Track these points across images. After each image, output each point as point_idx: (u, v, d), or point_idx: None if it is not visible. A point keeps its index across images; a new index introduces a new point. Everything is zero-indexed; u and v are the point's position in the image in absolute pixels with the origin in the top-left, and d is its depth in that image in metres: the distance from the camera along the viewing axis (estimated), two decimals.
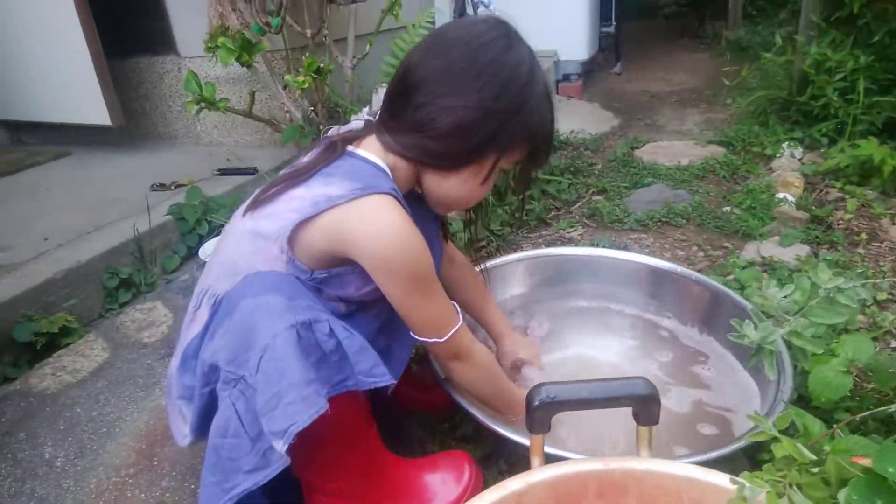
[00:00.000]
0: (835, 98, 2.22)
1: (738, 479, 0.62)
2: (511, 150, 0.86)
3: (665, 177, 2.29)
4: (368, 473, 0.85)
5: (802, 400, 0.97)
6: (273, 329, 0.70)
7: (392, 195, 0.80)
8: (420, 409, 1.13)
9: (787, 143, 2.34)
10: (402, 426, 1.09)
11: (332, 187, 0.79)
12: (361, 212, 0.78)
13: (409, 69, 0.84)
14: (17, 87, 2.67)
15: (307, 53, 2.07)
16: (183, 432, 0.83)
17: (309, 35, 2.12)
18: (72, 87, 2.46)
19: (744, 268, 1.52)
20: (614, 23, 4.48)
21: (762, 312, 0.78)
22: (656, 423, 0.71)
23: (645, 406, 0.70)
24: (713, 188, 2.19)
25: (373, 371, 0.75)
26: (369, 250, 0.78)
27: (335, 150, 0.85)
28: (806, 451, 0.60)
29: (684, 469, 0.69)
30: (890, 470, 0.61)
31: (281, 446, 0.68)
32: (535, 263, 1.34)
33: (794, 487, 0.59)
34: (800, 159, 2.25)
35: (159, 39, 2.63)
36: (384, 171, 0.84)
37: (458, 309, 0.91)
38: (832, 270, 0.77)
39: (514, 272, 1.33)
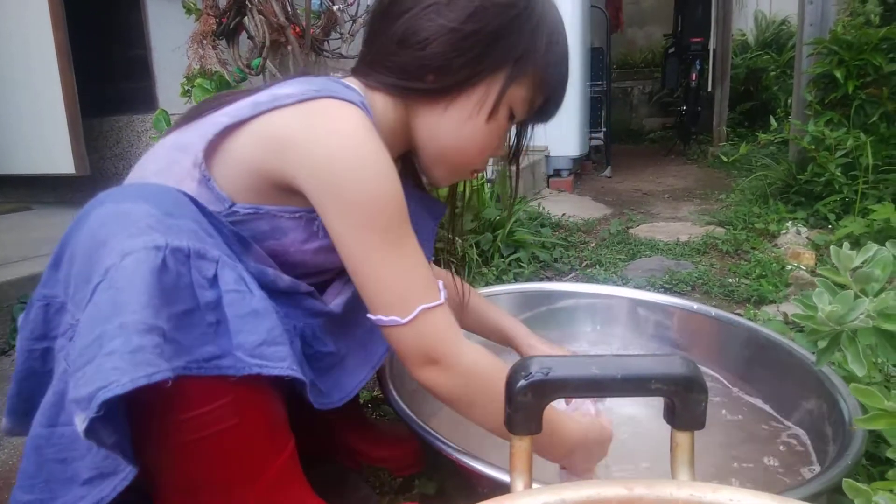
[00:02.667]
0: (838, 174, 2.12)
1: (860, 485, 0.38)
2: (520, 81, 0.66)
3: (664, 251, 2.13)
4: None
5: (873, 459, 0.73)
6: (125, 247, 0.47)
7: (359, 106, 0.60)
8: (372, 464, 0.86)
9: (790, 221, 2.22)
10: (344, 478, 0.82)
11: (282, 90, 0.60)
12: (309, 112, 0.58)
13: None
14: None
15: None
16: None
17: None
18: (42, 141, 2.34)
19: (768, 320, 1.31)
20: (604, 129, 4.58)
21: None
22: (701, 425, 0.47)
23: (685, 396, 0.46)
24: (717, 262, 2.02)
25: (260, 350, 0.50)
26: (313, 161, 0.56)
27: (309, 74, 0.68)
28: None
29: (747, 498, 0.45)
30: None
31: (80, 422, 0.42)
32: (526, 297, 1.12)
33: None
34: (806, 236, 2.11)
35: (142, 98, 2.57)
36: (357, 93, 0.64)
37: (442, 287, 0.62)
38: None
39: (506, 305, 1.11)
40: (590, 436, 0.66)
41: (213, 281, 0.50)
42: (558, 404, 0.84)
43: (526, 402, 0.45)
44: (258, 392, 0.54)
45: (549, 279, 1.95)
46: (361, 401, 1.03)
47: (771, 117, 2.47)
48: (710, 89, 5.49)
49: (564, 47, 0.70)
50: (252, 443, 0.55)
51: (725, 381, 0.93)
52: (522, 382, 0.44)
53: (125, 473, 0.47)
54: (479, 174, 0.81)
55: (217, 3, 1.88)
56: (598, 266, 2.01)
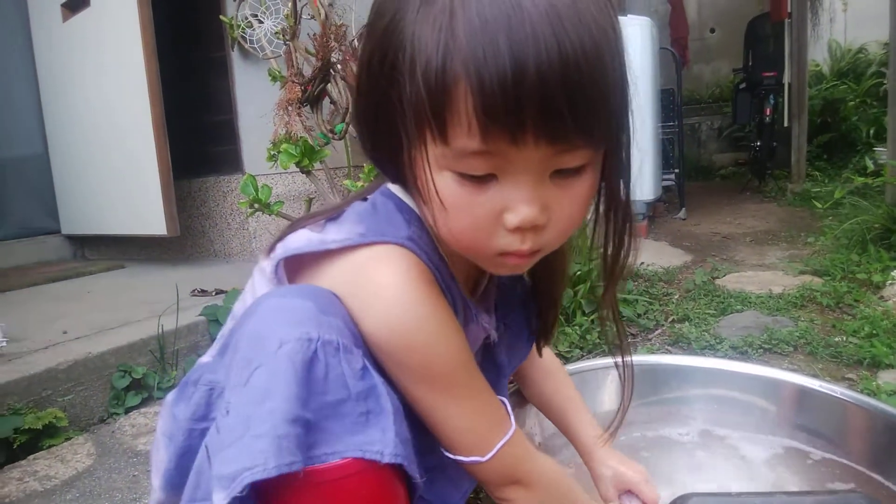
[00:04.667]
0: None
1: None
2: (405, 125, 0.49)
3: (757, 305, 2.01)
4: None
5: None
6: (282, 336, 0.48)
7: (405, 245, 0.55)
8: None
9: (895, 270, 2.05)
10: None
11: (339, 230, 0.58)
12: (353, 270, 0.55)
13: None
14: (84, 203, 2.74)
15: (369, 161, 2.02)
16: (154, 482, 0.60)
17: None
18: (136, 203, 2.49)
19: (892, 394, 1.19)
20: (676, 170, 4.46)
21: None
22: None
23: None
24: (817, 316, 1.88)
25: (396, 448, 0.49)
26: (363, 327, 0.54)
27: (372, 189, 0.64)
28: None
29: None
30: None
31: (221, 500, 0.43)
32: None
33: None
34: None
35: (229, 160, 2.70)
36: (410, 211, 0.59)
37: (510, 409, 0.61)
38: None
39: (598, 381, 1.05)
40: None
41: (363, 372, 0.50)
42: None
43: None
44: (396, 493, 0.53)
45: (635, 336, 1.87)
46: None
47: (865, 159, 2.32)
48: (786, 124, 5.28)
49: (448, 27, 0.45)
50: None
51: (869, 472, 0.84)
52: None
53: None
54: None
55: (301, 72, 1.96)
56: (686, 322, 1.91)
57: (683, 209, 4.39)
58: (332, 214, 0.62)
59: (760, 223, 4.02)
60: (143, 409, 1.28)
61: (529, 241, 0.51)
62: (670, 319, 1.97)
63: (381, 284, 0.53)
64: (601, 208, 0.57)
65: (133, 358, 1.41)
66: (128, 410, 1.33)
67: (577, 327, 1.79)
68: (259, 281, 0.63)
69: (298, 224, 0.63)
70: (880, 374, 1.42)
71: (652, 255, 3.00)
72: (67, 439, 1.15)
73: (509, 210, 0.49)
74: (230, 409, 0.47)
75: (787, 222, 3.87)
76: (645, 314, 1.98)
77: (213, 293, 1.94)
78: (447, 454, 0.58)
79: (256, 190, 1.89)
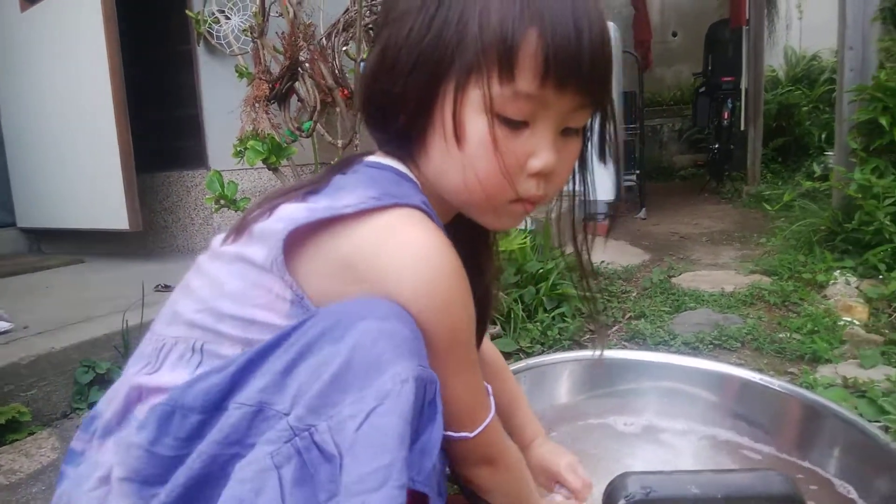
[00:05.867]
0: (888, 223, 2.09)
1: None
2: (474, 74, 0.55)
3: (709, 302, 2.10)
4: None
5: None
6: (401, 371, 0.48)
7: (422, 209, 0.57)
8: None
9: (837, 271, 2.17)
10: None
11: (339, 198, 0.57)
12: (379, 233, 0.54)
13: None
14: (41, 196, 2.69)
15: (336, 159, 2.03)
16: None
17: (340, 145, 2.10)
18: (96, 196, 2.45)
19: (828, 387, 1.28)
20: (637, 171, 4.58)
21: None
22: None
23: None
24: (765, 314, 1.98)
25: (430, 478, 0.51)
26: (404, 294, 0.53)
27: (350, 163, 0.65)
28: None
29: None
30: None
31: None
32: (581, 367, 1.12)
33: None
34: (856, 287, 2.06)
35: (193, 155, 2.67)
36: (410, 179, 0.62)
37: (491, 392, 0.65)
38: None
39: (555, 376, 1.10)
40: None
41: (432, 404, 0.52)
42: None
43: None
44: None
45: (593, 333, 1.94)
46: None
47: (814, 164, 2.44)
48: (742, 128, 5.46)
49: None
50: None
51: (795, 459, 0.91)
52: (624, 500, 0.45)
53: None
54: (547, 200, 0.63)
55: (269, 69, 1.96)
56: (642, 319, 1.99)
57: (644, 209, 4.52)
58: (312, 188, 0.61)
59: (716, 224, 4.16)
60: None
61: (542, 187, 0.59)
62: (627, 316, 2.05)
63: (413, 248, 0.53)
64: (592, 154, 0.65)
65: (97, 353, 1.40)
66: (91, 405, 1.32)
67: (538, 323, 1.84)
68: (231, 269, 0.58)
69: (274, 200, 0.60)
70: (819, 369, 1.52)
71: (612, 254, 3.08)
72: (31, 434, 1.15)
73: (535, 155, 0.58)
74: (352, 448, 0.46)
75: (741, 223, 4.02)
76: (604, 311, 2.05)
77: None
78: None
79: (223, 186, 1.89)
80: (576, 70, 0.54)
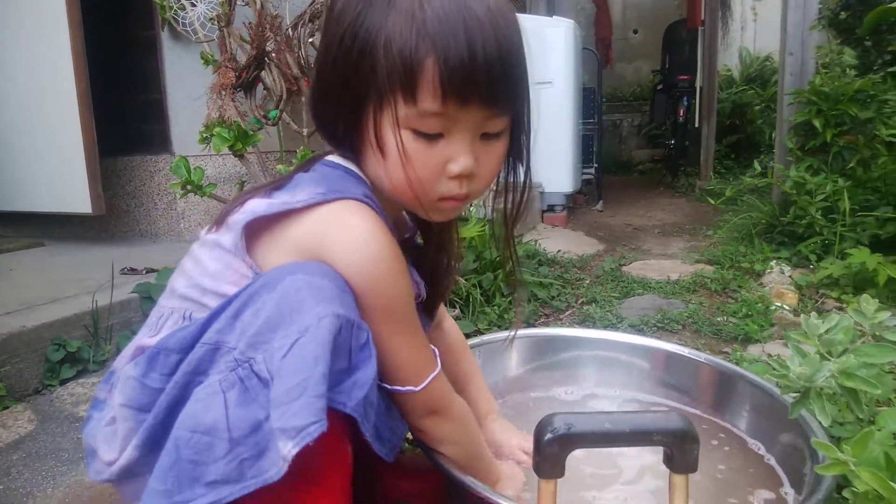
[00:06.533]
0: (819, 217, 2.26)
1: None
2: (379, 95, 0.63)
3: (656, 289, 2.24)
4: None
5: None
6: (319, 311, 0.58)
7: (362, 201, 0.67)
8: (406, 500, 0.95)
9: (774, 261, 2.34)
10: None
11: (294, 194, 0.68)
12: (323, 221, 0.65)
13: None
14: (0, 179, 2.64)
15: (301, 147, 2.09)
16: (108, 458, 0.66)
17: (305, 134, 2.15)
18: (58, 179, 2.43)
19: (752, 362, 1.41)
20: (595, 164, 4.73)
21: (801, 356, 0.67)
22: (694, 469, 0.57)
23: (681, 446, 0.56)
24: (706, 300, 2.13)
25: (366, 409, 0.61)
26: (342, 265, 0.64)
27: (313, 162, 0.75)
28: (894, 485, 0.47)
29: None
30: None
31: (290, 449, 0.53)
32: (530, 344, 1.22)
33: None
34: (789, 275, 2.23)
35: (157, 139, 2.67)
36: (357, 176, 0.72)
37: (437, 354, 0.75)
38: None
39: (507, 352, 1.20)
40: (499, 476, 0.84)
41: (364, 348, 0.61)
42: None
43: (552, 452, 0.55)
44: (346, 448, 0.65)
45: (548, 317, 2.05)
46: None
47: (755, 161, 2.61)
48: (697, 125, 5.68)
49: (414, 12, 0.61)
50: (337, 488, 0.65)
51: (715, 419, 1.03)
52: (549, 436, 0.54)
53: (246, 483, 0.56)
54: (475, 199, 0.73)
55: (235, 58, 2.00)
56: (593, 304, 2.12)
57: (601, 202, 4.67)
58: (277, 185, 0.72)
59: (669, 216, 4.35)
60: (80, 381, 1.32)
61: (465, 186, 0.68)
62: (580, 301, 2.17)
63: (351, 231, 0.64)
64: (510, 163, 0.75)
65: (67, 332, 1.44)
66: (63, 382, 1.36)
67: (496, 307, 1.94)
68: (211, 254, 0.70)
69: (245, 196, 0.72)
70: (749, 348, 1.66)
71: (568, 243, 3.21)
72: (6, 408, 1.19)
73: (452, 161, 0.66)
74: (279, 371, 0.56)
75: (692, 216, 4.21)
76: (558, 297, 2.17)
77: (144, 272, 1.97)
78: (387, 387, 0.70)
79: (189, 171, 1.93)
80: (473, 88, 0.61)
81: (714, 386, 1.07)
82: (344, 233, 0.65)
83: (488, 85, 0.62)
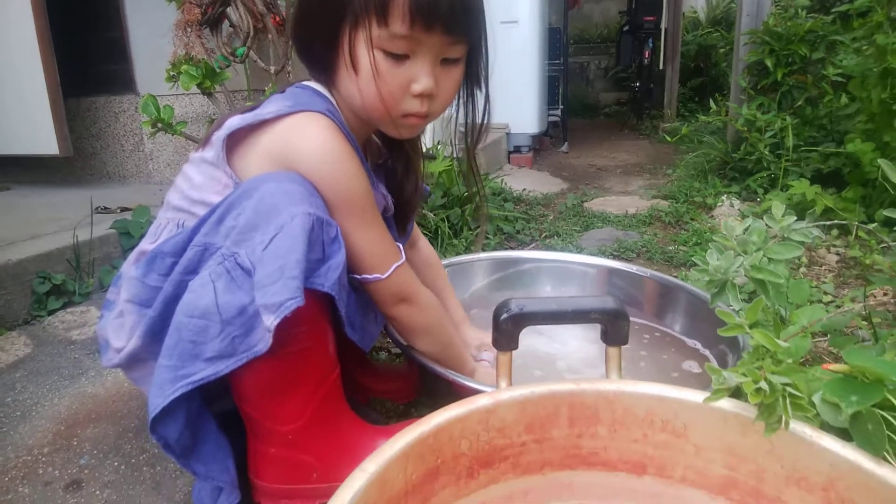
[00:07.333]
0: (766, 153, 2.39)
1: (714, 366, 0.59)
2: (365, 17, 0.72)
3: (614, 223, 2.37)
4: (325, 421, 0.78)
5: None
6: (292, 211, 0.67)
7: (324, 113, 0.75)
8: (377, 397, 1.07)
9: (725, 195, 2.48)
10: (357, 409, 1.02)
11: (265, 109, 0.77)
12: (287, 129, 0.74)
13: None
14: None
15: (270, 86, 2.11)
16: (117, 345, 0.76)
17: (273, 71, 2.16)
18: (21, 120, 2.40)
19: (696, 280, 1.55)
20: (561, 106, 4.79)
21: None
22: (625, 342, 0.68)
23: (614, 323, 0.67)
24: (660, 232, 2.27)
25: (339, 289, 0.72)
26: (299, 169, 0.74)
27: (287, 87, 0.84)
28: (780, 342, 0.59)
29: (655, 388, 0.66)
30: (859, 362, 0.61)
31: (272, 321, 0.63)
32: (495, 263, 1.33)
33: (771, 374, 0.57)
34: (738, 208, 2.38)
35: (120, 80, 2.63)
36: (323, 96, 0.81)
37: (402, 249, 0.86)
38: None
39: (474, 272, 1.31)
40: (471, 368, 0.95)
41: (334, 240, 0.71)
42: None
43: (507, 329, 0.65)
44: (326, 323, 0.76)
45: (513, 249, 2.17)
46: None
47: (711, 100, 2.71)
48: (661, 67, 5.75)
49: None
50: (322, 358, 0.76)
51: (653, 323, 1.17)
52: (505, 315, 0.65)
53: (239, 357, 0.66)
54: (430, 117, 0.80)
55: None
56: (556, 237, 2.24)
57: (566, 143, 4.76)
58: (254, 106, 0.81)
59: (632, 157, 4.47)
60: (68, 310, 1.39)
61: (426, 105, 0.77)
62: (543, 235, 2.29)
63: (311, 138, 0.74)
64: (469, 88, 0.84)
65: (51, 266, 1.49)
66: (50, 313, 1.43)
67: (463, 240, 2.05)
68: (197, 169, 0.80)
69: (226, 116, 0.81)
70: (697, 275, 1.81)
71: (534, 182, 3.32)
72: (0, 335, 1.25)
73: (415, 81, 0.75)
74: (261, 261, 0.65)
75: (653, 157, 4.34)
76: (522, 231, 2.28)
77: (118, 210, 2.00)
78: (357, 277, 0.80)
79: (158, 110, 1.94)
80: (437, 16, 0.70)
81: (657, 297, 1.20)
82: (305, 139, 0.74)
83: (450, 13, 0.71)
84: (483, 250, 2.04)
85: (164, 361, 0.67)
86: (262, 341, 0.65)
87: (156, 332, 0.72)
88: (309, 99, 0.79)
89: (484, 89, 0.85)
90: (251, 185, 0.72)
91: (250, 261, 0.67)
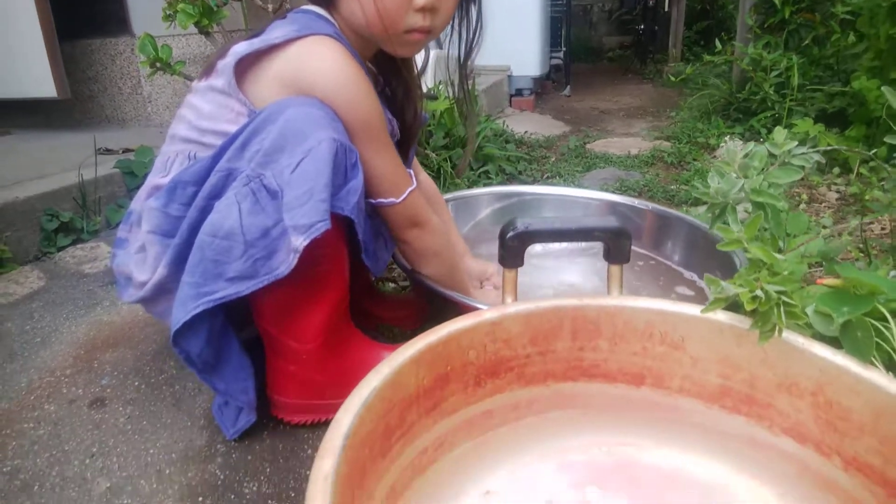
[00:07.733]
0: (771, 93, 2.37)
1: (712, 277, 0.62)
2: None
3: (617, 163, 2.37)
4: (339, 342, 0.81)
5: None
6: (319, 136, 0.68)
7: (332, 36, 0.76)
8: (384, 323, 1.10)
9: (728, 136, 2.47)
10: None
11: (272, 34, 0.77)
12: (298, 53, 0.74)
13: None
14: None
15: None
16: (141, 279, 0.77)
17: (270, 10, 2.12)
18: (16, 63, 2.36)
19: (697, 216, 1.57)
20: (563, 48, 4.70)
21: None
22: (627, 260, 0.71)
23: (616, 241, 0.69)
24: (662, 172, 2.27)
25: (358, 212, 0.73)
26: (321, 91, 0.74)
27: (286, 13, 0.83)
28: (777, 255, 0.61)
29: (655, 303, 0.69)
30: (853, 276, 0.63)
31: (301, 242, 0.65)
32: (498, 197, 1.34)
33: (767, 284, 0.59)
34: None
35: (114, 21, 2.58)
36: (325, 19, 0.81)
37: (412, 174, 0.88)
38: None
39: (477, 205, 1.33)
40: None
41: (354, 166, 0.72)
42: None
43: (514, 246, 0.67)
44: (344, 247, 0.78)
45: None
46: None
47: (716, 40, 2.66)
48: (666, 9, 5.61)
49: None
50: (339, 281, 0.79)
51: (654, 255, 1.20)
52: (512, 233, 0.67)
53: (260, 279, 0.68)
54: (431, 31, 0.81)
55: None
56: (557, 177, 2.24)
57: (569, 87, 4.69)
58: (257, 33, 0.81)
59: (635, 100, 4.41)
60: (78, 246, 1.41)
61: (428, 19, 0.78)
62: (545, 176, 2.29)
63: (324, 61, 0.74)
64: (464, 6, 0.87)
65: (58, 204, 1.50)
66: (60, 249, 1.45)
67: (465, 180, 2.05)
68: (205, 98, 0.79)
69: (229, 45, 0.80)
70: (698, 209, 1.82)
71: (535, 125, 3.29)
72: (14, 269, 1.28)
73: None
74: (289, 183, 0.67)
75: (657, 100, 4.29)
76: (525, 171, 2.28)
77: (120, 151, 2.00)
78: (373, 201, 0.81)
79: (156, 49, 1.91)
80: None
81: (657, 228, 1.22)
82: (318, 62, 0.75)
83: None
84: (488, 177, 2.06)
85: (186, 278, 0.69)
86: (284, 264, 0.67)
87: (183, 260, 0.72)
88: (313, 23, 0.78)
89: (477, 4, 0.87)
90: (274, 110, 0.71)
91: (277, 183, 0.68)
